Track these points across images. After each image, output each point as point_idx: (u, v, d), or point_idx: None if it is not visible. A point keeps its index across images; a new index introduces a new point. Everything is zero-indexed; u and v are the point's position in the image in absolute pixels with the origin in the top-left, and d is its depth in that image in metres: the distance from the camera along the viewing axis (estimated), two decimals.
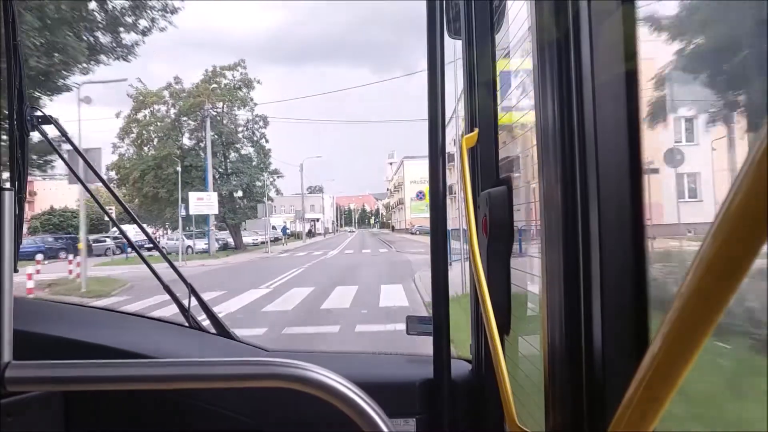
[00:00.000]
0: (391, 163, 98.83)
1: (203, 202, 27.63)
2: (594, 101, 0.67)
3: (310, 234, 65.93)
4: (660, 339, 0.39)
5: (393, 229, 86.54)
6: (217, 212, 28.83)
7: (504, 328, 1.14)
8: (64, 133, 1.45)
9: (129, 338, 1.38)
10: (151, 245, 1.57)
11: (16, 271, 0.95)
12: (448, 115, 1.44)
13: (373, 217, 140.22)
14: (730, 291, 0.35)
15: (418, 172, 60.77)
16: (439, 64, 1.18)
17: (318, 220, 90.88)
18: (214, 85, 33.80)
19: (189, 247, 30.58)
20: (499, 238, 1.13)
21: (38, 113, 1.30)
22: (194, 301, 1.48)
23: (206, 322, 1.52)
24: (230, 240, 35.23)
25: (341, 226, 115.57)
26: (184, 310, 1.47)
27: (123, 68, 35.80)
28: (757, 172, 0.31)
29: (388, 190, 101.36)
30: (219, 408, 1.29)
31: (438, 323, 1.24)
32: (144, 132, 33.68)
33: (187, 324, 1.49)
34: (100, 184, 1.64)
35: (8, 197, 0.85)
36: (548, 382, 0.76)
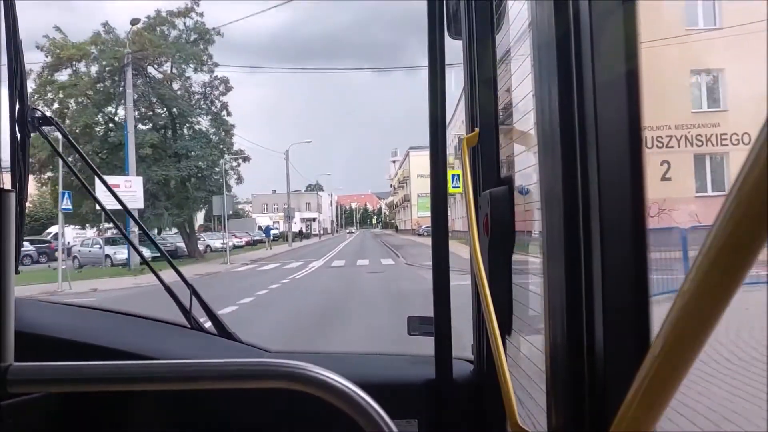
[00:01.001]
0: (394, 161, 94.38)
1: (120, 192, 18.62)
2: (594, 100, 0.68)
3: (302, 236, 57.52)
4: (662, 338, 0.39)
5: (397, 229, 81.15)
6: (141, 206, 19.96)
7: (505, 328, 1.16)
8: (65, 134, 1.48)
9: (131, 339, 1.40)
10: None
11: (17, 272, 0.96)
12: (448, 115, 1.33)
13: (375, 217, 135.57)
14: (733, 289, 0.34)
15: (426, 165, 52.93)
16: (439, 64, 1.20)
17: (314, 219, 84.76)
18: (139, 26, 23.57)
19: (108, 256, 21.86)
20: (500, 237, 1.15)
21: (39, 114, 1.31)
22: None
23: (208, 324, 1.52)
24: (183, 244, 26.38)
25: (342, 227, 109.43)
26: (186, 311, 1.48)
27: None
28: (759, 169, 0.31)
29: (392, 186, 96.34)
30: (221, 409, 1.31)
31: (439, 323, 1.26)
32: (64, 98, 24.25)
33: (188, 325, 1.49)
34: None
35: (9, 199, 0.84)
36: (550, 382, 0.77)
